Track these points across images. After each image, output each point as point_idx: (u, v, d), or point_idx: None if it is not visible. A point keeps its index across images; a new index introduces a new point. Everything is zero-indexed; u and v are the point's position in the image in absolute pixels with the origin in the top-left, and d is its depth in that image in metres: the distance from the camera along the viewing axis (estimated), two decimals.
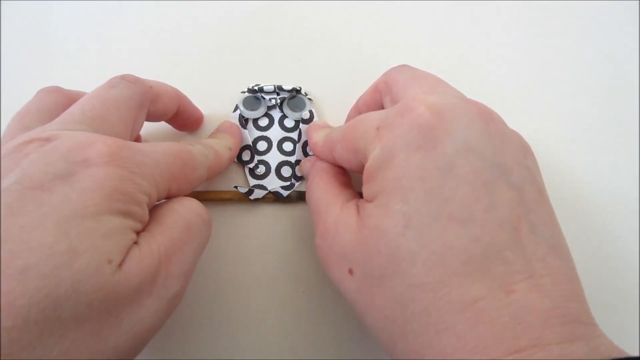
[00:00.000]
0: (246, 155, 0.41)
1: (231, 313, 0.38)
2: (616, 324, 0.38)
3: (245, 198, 0.40)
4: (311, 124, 0.41)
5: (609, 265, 0.40)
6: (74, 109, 0.27)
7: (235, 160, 0.41)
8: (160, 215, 0.26)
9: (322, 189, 0.30)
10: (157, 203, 0.27)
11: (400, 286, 0.22)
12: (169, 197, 0.28)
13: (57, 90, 0.31)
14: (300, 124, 0.42)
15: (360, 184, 0.28)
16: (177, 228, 0.26)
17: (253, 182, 0.40)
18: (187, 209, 0.27)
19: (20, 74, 0.45)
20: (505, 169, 0.23)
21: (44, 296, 0.18)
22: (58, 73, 0.45)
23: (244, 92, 0.43)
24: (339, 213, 0.27)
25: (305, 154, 0.41)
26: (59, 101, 0.30)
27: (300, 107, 0.43)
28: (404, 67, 0.33)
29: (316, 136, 0.36)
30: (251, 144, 0.41)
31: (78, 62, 0.46)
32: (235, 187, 0.38)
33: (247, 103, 0.43)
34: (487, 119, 0.25)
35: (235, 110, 0.42)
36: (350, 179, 0.33)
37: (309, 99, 0.43)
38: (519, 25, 0.48)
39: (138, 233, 0.24)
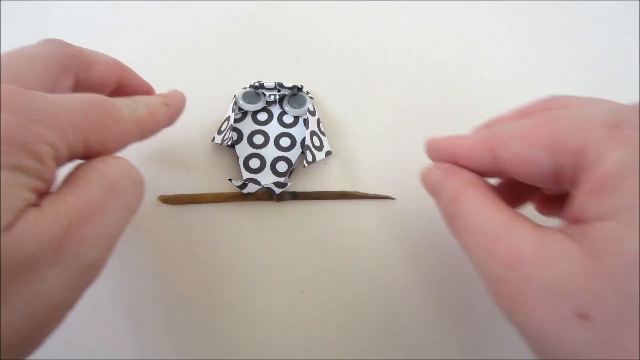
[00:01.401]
0: (243, 150, 0.40)
1: (227, 313, 0.37)
2: None
3: (239, 196, 0.39)
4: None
5: None
6: None
7: (232, 147, 0.41)
8: (77, 175, 0.23)
9: (488, 206, 0.23)
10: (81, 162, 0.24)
11: None
12: (91, 155, 0.24)
13: None
14: (302, 118, 0.42)
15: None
16: (97, 188, 0.22)
17: (247, 175, 0.40)
18: (112, 166, 0.24)
19: None
20: None
21: None
22: None
23: (245, 87, 0.43)
24: (540, 237, 0.21)
25: (304, 150, 0.41)
26: None
27: (300, 104, 0.42)
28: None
29: (454, 141, 0.28)
30: (246, 137, 0.41)
31: None
32: (230, 179, 0.37)
33: (246, 97, 0.42)
34: None
35: (233, 101, 0.42)
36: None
37: (310, 97, 0.43)
38: (518, 25, 0.48)
39: (42, 194, 0.21)
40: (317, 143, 0.40)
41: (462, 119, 0.43)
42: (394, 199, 0.40)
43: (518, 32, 0.48)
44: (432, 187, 0.28)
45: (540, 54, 0.47)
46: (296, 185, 0.41)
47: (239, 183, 0.38)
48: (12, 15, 0.47)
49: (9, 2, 0.48)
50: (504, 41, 0.47)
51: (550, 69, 0.46)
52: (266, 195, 0.39)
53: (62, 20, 0.47)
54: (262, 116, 0.42)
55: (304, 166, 0.38)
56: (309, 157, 0.38)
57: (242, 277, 0.38)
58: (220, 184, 0.40)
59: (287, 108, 0.42)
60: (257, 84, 0.42)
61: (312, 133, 0.40)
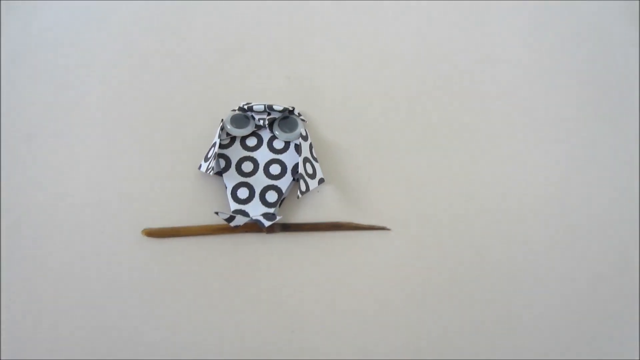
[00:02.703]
0: (231, 178, 0.38)
1: (214, 351, 0.35)
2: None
3: (227, 229, 0.37)
4: None
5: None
6: None
7: (218, 174, 0.39)
8: None
9: None
10: None
11: None
12: None
13: None
14: (294, 142, 0.39)
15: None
16: None
17: (235, 206, 0.38)
18: None
19: (20, 76, 0.43)
20: None
21: None
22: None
23: (234, 110, 0.40)
24: None
25: (297, 179, 0.39)
26: None
27: (292, 128, 0.40)
28: None
29: None
30: (234, 165, 0.39)
31: (70, 80, 0.44)
32: (217, 212, 0.35)
33: (234, 120, 0.40)
34: None
35: (220, 126, 0.39)
36: None
37: (302, 120, 0.41)
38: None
39: None
40: (310, 170, 0.37)
41: (463, 144, 0.41)
42: (389, 229, 0.38)
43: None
44: None
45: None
46: (287, 215, 0.39)
47: (226, 216, 0.36)
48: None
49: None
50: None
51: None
52: (255, 226, 0.37)
53: (59, 24, 0.45)
54: (251, 141, 0.40)
55: (297, 197, 0.36)
56: (302, 187, 0.36)
57: (231, 314, 0.36)
58: (207, 215, 0.38)
59: (277, 132, 0.40)
60: (245, 106, 0.40)
61: (305, 160, 0.37)
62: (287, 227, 0.38)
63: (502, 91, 0.43)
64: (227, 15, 0.46)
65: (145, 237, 0.37)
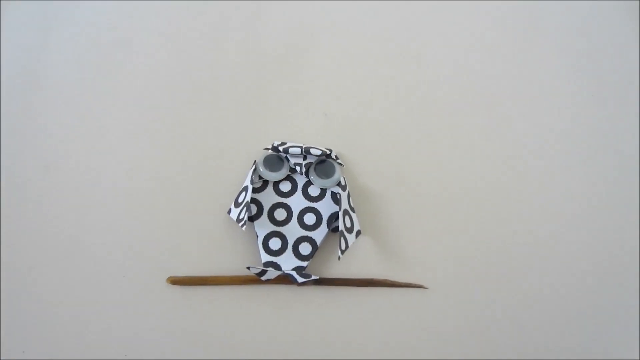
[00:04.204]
0: (263, 226, 0.36)
1: None
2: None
3: (256, 280, 0.35)
4: None
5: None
6: None
7: (248, 222, 0.36)
8: None
9: None
10: None
11: None
12: None
13: None
14: (329, 190, 0.37)
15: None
16: None
17: (266, 258, 0.35)
18: None
19: (38, 104, 0.40)
20: None
21: None
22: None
23: (267, 148, 0.38)
24: None
25: (333, 229, 0.37)
26: None
27: (328, 173, 0.37)
28: None
29: None
30: (267, 212, 0.36)
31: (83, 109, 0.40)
32: (248, 267, 0.33)
33: (268, 163, 0.37)
34: None
35: (253, 168, 0.37)
36: None
37: (339, 164, 0.38)
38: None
39: None
40: (348, 224, 0.35)
41: (509, 203, 0.39)
42: (426, 288, 0.37)
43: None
44: None
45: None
46: (319, 268, 0.37)
47: (258, 270, 0.34)
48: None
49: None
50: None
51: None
52: (286, 278, 0.35)
53: (79, 49, 0.41)
54: (285, 186, 0.37)
55: (338, 258, 0.33)
56: (343, 245, 0.33)
57: None
58: (235, 263, 0.36)
59: (313, 178, 0.37)
60: (280, 147, 0.37)
61: (345, 212, 0.35)
62: (319, 281, 0.36)
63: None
64: (262, 45, 0.42)
65: (170, 285, 0.35)
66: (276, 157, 0.37)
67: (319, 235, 0.36)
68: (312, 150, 0.36)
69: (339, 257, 0.33)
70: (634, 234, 0.38)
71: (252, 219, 0.36)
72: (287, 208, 0.37)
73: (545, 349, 0.36)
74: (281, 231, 0.36)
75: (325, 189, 0.37)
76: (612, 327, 0.37)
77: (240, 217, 0.34)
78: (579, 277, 0.38)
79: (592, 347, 0.36)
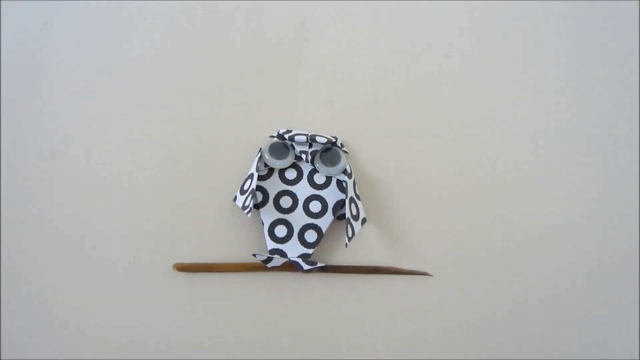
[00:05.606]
0: (269, 214, 0.36)
1: None
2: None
3: (261, 267, 0.35)
4: None
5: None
6: None
7: (253, 209, 0.36)
8: None
9: None
10: None
11: None
12: None
13: None
14: (335, 178, 0.37)
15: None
16: None
17: (272, 245, 0.36)
18: None
19: (43, 91, 0.40)
20: None
21: None
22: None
23: (272, 136, 0.38)
24: None
25: (339, 217, 0.37)
26: None
27: (334, 161, 0.37)
28: None
29: None
30: (272, 199, 0.36)
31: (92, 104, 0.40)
32: (254, 254, 0.33)
33: (273, 150, 0.37)
34: None
35: (258, 156, 0.37)
36: None
37: (345, 152, 0.38)
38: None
39: None
40: (354, 211, 0.35)
41: (515, 192, 0.39)
42: (431, 275, 0.37)
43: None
44: None
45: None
46: (324, 255, 0.37)
47: (264, 258, 0.34)
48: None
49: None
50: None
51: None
52: (292, 265, 0.36)
53: (82, 39, 0.41)
54: (291, 174, 0.37)
55: (346, 245, 0.33)
56: (349, 232, 0.34)
57: (263, 354, 0.35)
58: (241, 250, 0.36)
59: (318, 166, 0.37)
60: (285, 134, 0.37)
61: (351, 200, 0.35)
62: (324, 268, 0.36)
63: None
64: (266, 32, 0.42)
65: (177, 272, 0.36)
66: (282, 145, 0.37)
67: (324, 222, 0.36)
68: (317, 138, 0.36)
69: (346, 244, 0.33)
70: (634, 233, 0.38)
71: (257, 206, 0.36)
72: (293, 196, 0.37)
73: (548, 336, 0.36)
74: (287, 219, 0.36)
75: (331, 177, 0.37)
76: (612, 326, 0.37)
77: (246, 204, 0.34)
78: (582, 267, 0.38)
79: (593, 347, 0.36)
